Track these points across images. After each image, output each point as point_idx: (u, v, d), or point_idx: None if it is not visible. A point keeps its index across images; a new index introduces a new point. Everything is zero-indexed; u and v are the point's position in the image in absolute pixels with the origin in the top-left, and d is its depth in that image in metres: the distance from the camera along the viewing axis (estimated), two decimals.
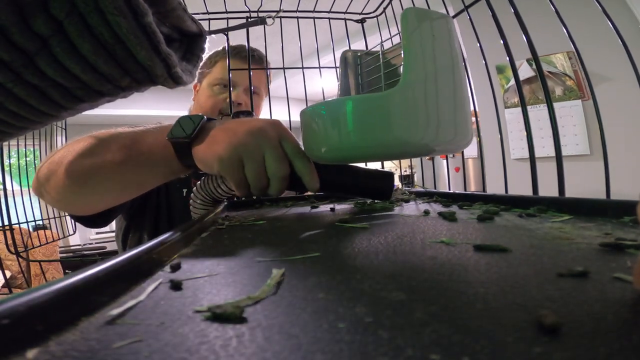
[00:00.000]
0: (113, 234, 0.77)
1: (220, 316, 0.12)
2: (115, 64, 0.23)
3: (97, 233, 3.22)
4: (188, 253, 0.23)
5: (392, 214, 0.38)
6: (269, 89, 0.89)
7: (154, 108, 3.53)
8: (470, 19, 0.55)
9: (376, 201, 0.51)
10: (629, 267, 0.15)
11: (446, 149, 0.40)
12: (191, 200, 0.49)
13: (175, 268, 0.19)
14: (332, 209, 0.45)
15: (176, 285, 0.15)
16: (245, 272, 0.18)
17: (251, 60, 0.85)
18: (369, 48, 0.70)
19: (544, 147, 1.44)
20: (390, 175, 0.49)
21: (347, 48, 0.78)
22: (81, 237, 3.06)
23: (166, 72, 0.26)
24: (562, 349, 0.09)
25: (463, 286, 0.14)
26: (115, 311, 0.13)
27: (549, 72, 1.79)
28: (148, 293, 0.15)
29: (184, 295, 0.14)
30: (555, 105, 1.84)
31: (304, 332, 0.10)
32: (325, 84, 0.79)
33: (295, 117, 0.78)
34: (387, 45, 0.51)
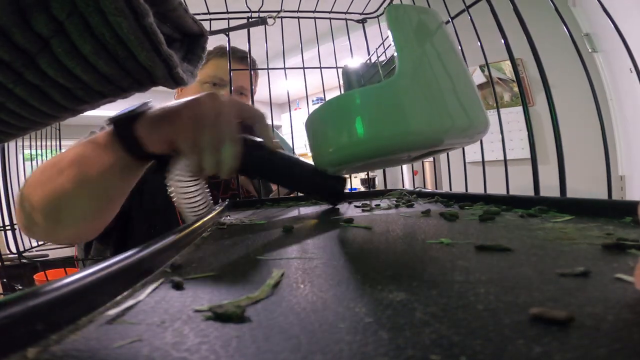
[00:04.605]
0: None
1: (221, 316, 0.12)
2: (116, 64, 0.23)
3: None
4: (189, 253, 0.23)
5: (394, 214, 0.38)
6: (252, 91, 0.87)
7: None
8: (471, 19, 0.55)
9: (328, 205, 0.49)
10: (631, 268, 0.15)
11: (456, 140, 0.37)
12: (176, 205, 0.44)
13: (176, 268, 0.19)
14: (336, 209, 0.46)
15: (177, 285, 0.15)
16: (246, 272, 0.18)
17: (244, 63, 0.83)
18: (369, 47, 0.70)
19: (493, 151, 1.48)
20: (341, 178, 0.47)
21: (348, 46, 0.78)
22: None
23: (167, 73, 0.26)
24: (562, 349, 0.08)
25: (464, 286, 0.14)
26: (115, 311, 0.13)
27: (499, 78, 1.83)
28: (148, 293, 0.15)
29: (184, 295, 0.14)
30: (503, 110, 1.86)
31: (304, 332, 0.10)
32: (326, 82, 0.79)
33: (295, 118, 0.78)
34: (389, 43, 0.51)
